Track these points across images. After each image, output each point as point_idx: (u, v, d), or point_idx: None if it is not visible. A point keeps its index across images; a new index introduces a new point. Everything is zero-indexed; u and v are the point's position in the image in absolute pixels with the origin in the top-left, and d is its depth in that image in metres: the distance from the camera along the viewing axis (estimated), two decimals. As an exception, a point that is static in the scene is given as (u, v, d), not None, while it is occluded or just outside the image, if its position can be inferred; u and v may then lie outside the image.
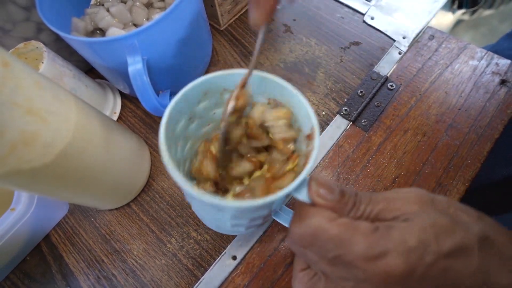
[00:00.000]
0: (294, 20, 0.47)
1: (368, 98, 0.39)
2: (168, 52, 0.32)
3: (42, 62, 0.31)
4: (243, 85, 0.22)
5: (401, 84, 0.40)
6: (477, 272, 0.16)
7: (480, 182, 0.46)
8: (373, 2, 0.46)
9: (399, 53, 0.42)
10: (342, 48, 0.44)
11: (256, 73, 0.23)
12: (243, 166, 0.26)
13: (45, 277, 0.34)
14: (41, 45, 0.33)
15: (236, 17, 0.47)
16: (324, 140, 0.37)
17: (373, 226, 0.16)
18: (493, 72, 0.39)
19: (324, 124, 0.39)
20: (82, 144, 0.25)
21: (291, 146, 0.24)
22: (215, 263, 0.32)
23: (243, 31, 0.46)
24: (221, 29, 0.47)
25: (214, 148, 0.27)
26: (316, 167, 0.36)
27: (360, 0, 0.47)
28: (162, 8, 0.36)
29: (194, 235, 0.34)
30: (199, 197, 0.17)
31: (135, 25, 0.35)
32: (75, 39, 0.29)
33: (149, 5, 0.36)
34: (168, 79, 0.36)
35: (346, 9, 0.47)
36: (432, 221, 0.16)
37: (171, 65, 0.34)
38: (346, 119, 0.38)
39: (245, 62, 0.44)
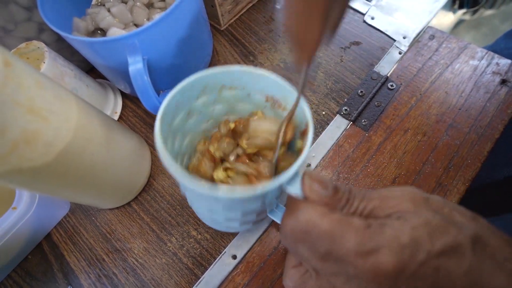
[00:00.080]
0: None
1: (368, 98, 0.39)
2: (169, 52, 0.33)
3: (44, 62, 0.32)
4: (290, 119, 0.22)
5: (401, 84, 0.40)
6: (469, 273, 0.15)
7: (481, 182, 0.46)
8: (373, 2, 0.46)
9: (400, 53, 0.42)
10: (342, 48, 0.44)
11: (253, 70, 0.23)
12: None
13: (46, 276, 0.34)
14: (42, 45, 0.33)
15: (236, 17, 0.48)
16: (324, 139, 0.37)
17: (366, 223, 0.16)
18: (493, 72, 0.39)
19: (324, 123, 0.39)
20: (83, 144, 0.25)
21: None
22: (215, 262, 0.32)
23: (244, 31, 0.47)
24: (222, 29, 0.47)
25: (212, 148, 0.27)
26: (316, 166, 0.36)
27: (360, 0, 0.47)
28: (163, 8, 0.36)
29: (194, 234, 0.34)
30: (190, 185, 0.18)
31: (136, 25, 0.35)
32: (76, 39, 0.29)
33: (149, 5, 0.36)
34: (168, 78, 0.36)
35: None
36: (425, 220, 0.16)
37: (172, 65, 0.34)
38: (346, 119, 0.38)
39: (245, 62, 0.44)
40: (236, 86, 0.25)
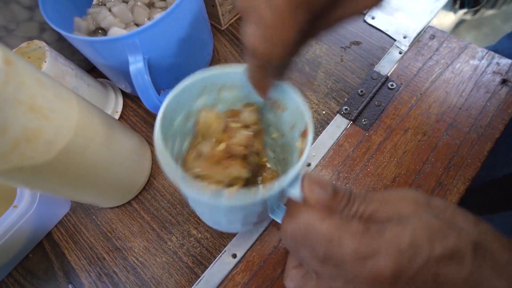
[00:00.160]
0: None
1: (368, 98, 0.39)
2: (169, 52, 0.33)
3: (45, 61, 0.32)
4: (258, 133, 0.25)
5: (401, 83, 0.40)
6: (468, 278, 0.15)
7: (481, 181, 0.46)
8: (374, 2, 0.46)
9: (400, 53, 0.42)
10: (342, 47, 0.44)
11: None
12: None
13: (47, 274, 0.34)
14: (43, 44, 0.34)
15: (237, 17, 0.48)
16: (324, 139, 0.37)
17: (365, 226, 0.16)
18: (494, 72, 0.39)
19: (324, 123, 0.39)
20: (84, 142, 0.25)
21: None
22: (215, 261, 0.32)
23: (244, 30, 0.47)
24: (222, 28, 0.47)
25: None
26: (316, 166, 0.36)
27: (361, 0, 0.47)
28: (163, 8, 0.36)
29: (195, 233, 0.34)
30: (192, 193, 0.18)
31: (137, 25, 0.35)
32: (77, 39, 0.29)
33: (150, 5, 0.36)
34: (169, 78, 0.36)
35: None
36: (425, 223, 0.16)
37: (172, 64, 0.34)
38: (347, 118, 0.38)
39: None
40: (236, 86, 0.25)
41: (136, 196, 0.37)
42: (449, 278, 0.15)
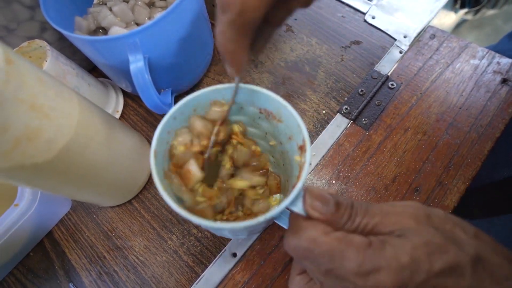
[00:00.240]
0: (295, 19, 0.47)
1: (368, 97, 0.39)
2: (169, 51, 0.33)
3: (46, 61, 0.32)
4: (223, 121, 0.24)
5: (401, 83, 0.40)
6: None
7: (481, 182, 0.46)
8: (374, 2, 0.46)
9: (400, 52, 0.42)
10: (343, 47, 0.44)
11: (247, 86, 0.23)
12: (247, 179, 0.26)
13: (48, 273, 0.34)
14: (44, 43, 0.34)
15: (237, 16, 0.48)
16: (324, 138, 0.37)
17: (367, 241, 0.16)
18: (494, 71, 0.39)
19: (324, 122, 0.39)
20: (84, 141, 0.25)
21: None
22: (215, 260, 0.32)
23: (245, 30, 0.47)
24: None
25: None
26: (316, 165, 0.36)
27: (361, 0, 0.47)
28: (164, 7, 0.36)
29: (195, 232, 0.34)
30: (195, 221, 0.19)
31: (137, 24, 0.35)
32: (78, 38, 0.29)
33: (151, 4, 0.36)
34: (169, 77, 0.36)
35: (347, 8, 0.47)
36: (426, 239, 0.16)
37: (172, 63, 0.34)
38: (347, 117, 0.38)
39: (246, 61, 0.44)
40: (228, 101, 0.25)
41: (137, 195, 0.37)
42: None
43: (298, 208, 0.19)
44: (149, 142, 0.39)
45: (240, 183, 0.26)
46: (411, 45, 0.43)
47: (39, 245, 0.36)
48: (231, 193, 0.26)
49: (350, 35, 0.45)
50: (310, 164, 0.36)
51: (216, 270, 0.32)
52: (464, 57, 0.41)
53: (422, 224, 0.17)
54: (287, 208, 0.19)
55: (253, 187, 0.27)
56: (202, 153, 0.25)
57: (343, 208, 0.18)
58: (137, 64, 0.29)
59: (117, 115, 0.42)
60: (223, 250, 0.32)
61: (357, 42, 0.44)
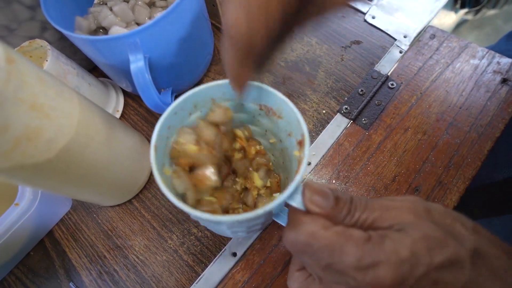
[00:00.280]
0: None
1: (368, 97, 0.39)
2: (170, 51, 0.33)
3: (46, 60, 0.32)
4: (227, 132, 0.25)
5: (401, 82, 0.40)
6: (468, 286, 0.16)
7: (481, 182, 0.46)
8: (374, 1, 0.46)
9: (400, 52, 0.42)
10: (343, 47, 0.44)
11: (252, 83, 0.23)
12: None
13: (48, 272, 0.34)
14: (45, 43, 0.34)
15: (237, 16, 0.48)
16: (324, 138, 0.37)
17: (366, 235, 0.16)
18: (494, 71, 0.39)
19: (324, 122, 0.39)
20: (85, 141, 0.25)
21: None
22: (215, 259, 0.32)
23: (245, 30, 0.47)
24: (223, 28, 0.47)
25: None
26: (316, 165, 0.36)
27: (361, -1, 0.47)
28: (164, 7, 0.36)
29: (195, 231, 0.34)
30: (192, 213, 0.18)
31: (138, 24, 0.35)
32: (79, 37, 0.29)
33: (151, 4, 0.36)
34: (170, 77, 0.37)
35: (347, 8, 0.47)
36: (425, 233, 0.16)
37: (173, 63, 0.34)
38: (347, 117, 0.38)
39: (246, 61, 0.44)
40: (228, 98, 0.25)
41: (137, 195, 0.37)
42: (448, 285, 0.16)
43: (297, 203, 0.19)
44: (149, 142, 0.39)
45: (258, 182, 0.26)
46: (411, 45, 0.43)
47: (39, 244, 0.36)
48: (235, 190, 0.26)
49: (350, 35, 0.45)
50: (310, 163, 0.36)
51: (216, 269, 0.32)
52: (464, 57, 0.41)
53: (421, 219, 0.17)
54: (286, 202, 0.19)
55: (265, 186, 0.27)
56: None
57: (342, 203, 0.18)
58: (137, 64, 0.29)
59: (118, 115, 0.42)
60: (223, 249, 0.32)
61: (357, 42, 0.44)
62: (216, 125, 0.25)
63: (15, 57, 0.20)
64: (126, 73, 0.32)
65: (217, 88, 0.24)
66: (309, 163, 0.36)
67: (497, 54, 0.40)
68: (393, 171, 0.35)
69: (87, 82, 0.37)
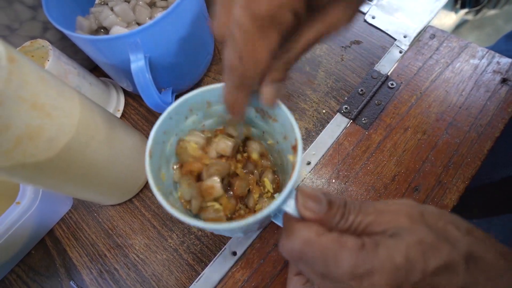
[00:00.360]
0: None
1: (368, 97, 0.39)
2: (170, 50, 0.33)
3: (48, 60, 0.32)
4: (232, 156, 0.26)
5: (401, 82, 0.40)
6: None
7: (481, 181, 0.46)
8: (374, 2, 0.47)
9: (400, 52, 0.42)
10: (343, 47, 0.44)
11: None
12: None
13: (49, 271, 0.35)
14: (46, 43, 0.34)
15: (238, 16, 0.48)
16: (324, 138, 0.38)
17: (360, 242, 0.16)
18: (494, 71, 0.39)
19: (324, 122, 0.39)
20: (86, 140, 0.26)
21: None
22: (215, 258, 0.32)
23: (245, 30, 0.47)
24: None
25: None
26: (316, 164, 0.36)
27: (361, 0, 0.47)
28: (165, 7, 0.37)
29: (195, 230, 0.34)
30: (188, 222, 0.19)
31: (138, 24, 0.36)
32: (80, 37, 0.29)
33: (152, 4, 0.37)
34: (170, 77, 0.37)
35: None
36: (419, 238, 0.16)
37: (173, 63, 0.35)
38: (346, 117, 0.38)
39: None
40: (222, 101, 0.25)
41: (137, 194, 0.37)
42: None
43: (291, 208, 0.19)
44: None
45: (269, 186, 0.27)
46: (411, 45, 0.43)
47: (40, 243, 0.36)
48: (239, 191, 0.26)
49: (350, 35, 0.45)
50: (310, 163, 0.36)
51: (216, 268, 0.32)
52: (464, 57, 0.41)
53: (415, 223, 0.17)
54: (280, 208, 0.19)
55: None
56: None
57: (335, 207, 0.18)
58: (138, 64, 0.29)
59: (118, 114, 0.42)
60: (223, 248, 0.33)
61: (357, 42, 0.44)
62: (231, 136, 0.26)
63: (17, 57, 0.20)
64: (126, 72, 0.32)
65: (212, 92, 0.24)
66: (309, 163, 0.36)
67: (497, 54, 0.40)
68: (393, 170, 0.35)
69: (88, 82, 0.37)
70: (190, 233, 0.34)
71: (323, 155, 0.37)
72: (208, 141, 0.26)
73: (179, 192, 0.26)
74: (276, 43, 0.17)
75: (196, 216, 0.25)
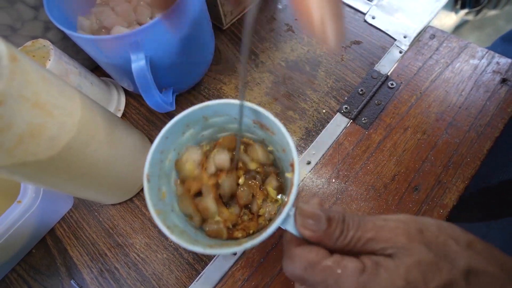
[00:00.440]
0: (296, 19, 0.47)
1: (368, 97, 0.39)
2: (171, 50, 0.33)
3: (49, 60, 0.32)
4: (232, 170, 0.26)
5: (401, 82, 0.40)
6: None
7: (478, 186, 0.46)
8: (374, 2, 0.47)
9: (400, 52, 0.42)
10: (343, 47, 0.44)
11: (231, 102, 0.24)
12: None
13: (49, 270, 0.35)
14: (48, 43, 0.34)
15: (238, 17, 0.48)
16: (324, 137, 0.38)
17: (360, 266, 0.17)
18: (493, 71, 0.39)
19: (324, 122, 0.39)
20: (87, 139, 0.26)
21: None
22: (215, 257, 0.32)
23: (245, 30, 0.47)
24: (224, 28, 0.47)
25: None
26: (316, 164, 0.36)
27: (361, 0, 0.47)
28: (166, 7, 0.37)
29: (195, 230, 0.34)
30: (190, 248, 0.19)
31: (139, 24, 0.36)
32: (81, 37, 0.29)
33: (153, 5, 0.37)
34: (171, 77, 0.37)
35: (348, 8, 0.47)
36: (418, 259, 0.16)
37: (174, 63, 0.35)
38: (347, 117, 0.39)
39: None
40: (220, 115, 0.25)
41: (138, 193, 0.37)
42: None
43: (290, 227, 0.19)
44: (151, 141, 0.40)
45: (273, 193, 0.27)
46: (411, 45, 0.43)
47: (41, 242, 0.36)
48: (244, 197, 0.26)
49: (350, 35, 0.45)
50: (310, 163, 0.36)
51: (216, 267, 0.32)
52: (463, 57, 0.41)
53: (414, 241, 0.17)
54: (280, 227, 0.20)
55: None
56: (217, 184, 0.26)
57: (335, 223, 0.18)
58: (139, 63, 0.29)
59: (119, 114, 0.42)
60: (223, 247, 0.33)
61: (357, 42, 0.44)
62: (229, 150, 0.26)
63: (19, 56, 0.20)
64: (127, 72, 0.32)
65: (207, 108, 0.24)
66: (309, 162, 0.36)
67: (497, 54, 0.40)
68: (393, 170, 0.35)
69: (89, 81, 0.37)
70: (191, 232, 0.34)
71: (323, 155, 0.37)
72: (207, 154, 0.27)
73: (182, 206, 0.26)
74: None
75: (200, 228, 0.26)
